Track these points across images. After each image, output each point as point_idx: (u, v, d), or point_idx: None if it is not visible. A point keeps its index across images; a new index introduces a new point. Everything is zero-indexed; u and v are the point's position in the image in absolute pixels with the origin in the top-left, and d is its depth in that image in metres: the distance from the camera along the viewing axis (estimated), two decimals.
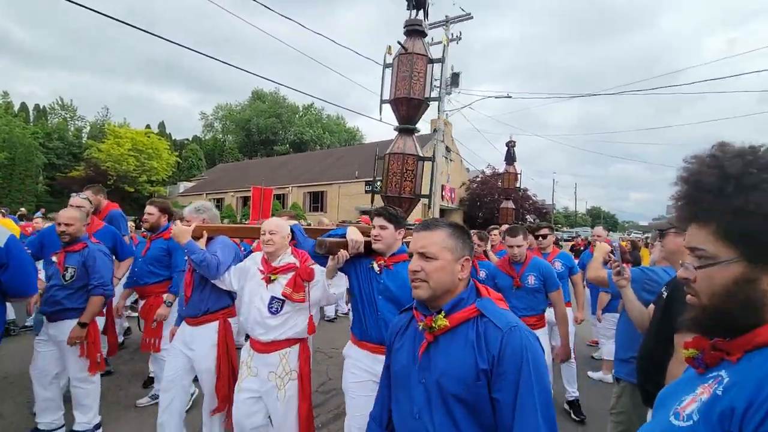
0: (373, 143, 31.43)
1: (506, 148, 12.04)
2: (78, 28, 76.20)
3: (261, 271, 2.40)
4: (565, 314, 3.23)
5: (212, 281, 2.59)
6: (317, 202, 26.65)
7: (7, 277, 2.00)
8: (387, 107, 4.57)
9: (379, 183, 4.75)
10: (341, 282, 2.32)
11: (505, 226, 4.84)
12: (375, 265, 2.16)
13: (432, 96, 4.44)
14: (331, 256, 2.17)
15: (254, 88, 50.83)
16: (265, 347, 2.34)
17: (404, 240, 2.25)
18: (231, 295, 2.76)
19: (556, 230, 29.47)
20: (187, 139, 46.63)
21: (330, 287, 2.30)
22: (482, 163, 37.55)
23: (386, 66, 4.55)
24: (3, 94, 35.62)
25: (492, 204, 24.62)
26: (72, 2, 4.76)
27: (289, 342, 2.35)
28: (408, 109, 4.34)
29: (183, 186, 36.53)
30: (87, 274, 2.82)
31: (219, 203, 29.74)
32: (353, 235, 2.19)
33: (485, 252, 4.10)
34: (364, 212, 21.96)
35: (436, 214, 13.79)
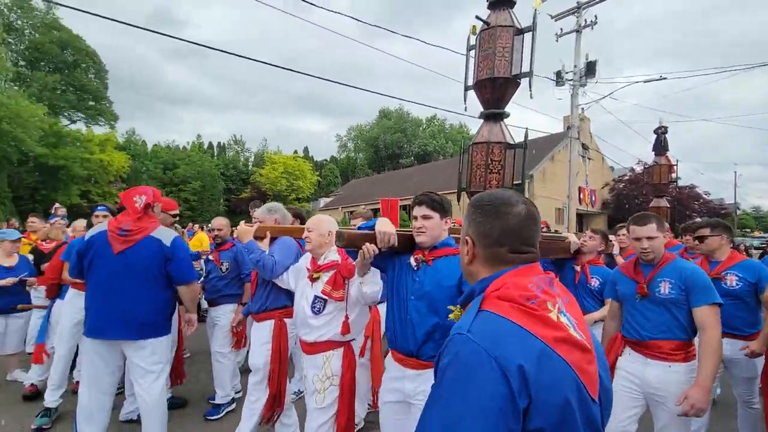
0: None
1: (655, 137, 10.06)
2: (244, 79, 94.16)
3: (308, 269, 2.36)
4: (716, 343, 2.01)
5: (274, 281, 2.65)
6: None
7: (172, 268, 2.59)
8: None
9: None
10: (375, 279, 2.07)
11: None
12: (412, 260, 1.90)
13: (523, 72, 3.78)
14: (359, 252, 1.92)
15: (381, 107, 54.52)
16: (310, 348, 2.25)
17: (451, 232, 1.96)
18: (290, 296, 2.68)
19: (744, 235, 23.34)
20: (326, 160, 52.63)
21: (362, 285, 2.06)
22: (630, 159, 32.51)
23: (470, 48, 4.06)
24: (197, 136, 46.55)
25: (644, 205, 20.99)
26: (239, 56, 6.02)
27: (331, 344, 2.21)
28: (492, 91, 3.82)
29: (323, 201, 41.27)
30: (238, 266, 3.58)
31: (351, 215, 32.59)
32: (382, 226, 1.91)
33: (609, 255, 3.47)
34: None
35: (573, 219, 12.49)
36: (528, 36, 3.80)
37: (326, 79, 10.65)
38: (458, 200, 4.31)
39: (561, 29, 12.92)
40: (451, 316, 1.13)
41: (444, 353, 0.83)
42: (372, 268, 2.03)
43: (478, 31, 3.88)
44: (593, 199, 23.51)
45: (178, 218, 3.64)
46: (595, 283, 2.96)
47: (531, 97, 3.80)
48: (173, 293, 2.71)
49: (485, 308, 0.86)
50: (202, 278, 3.84)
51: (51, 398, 3.19)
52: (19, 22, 29.70)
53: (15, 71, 25.98)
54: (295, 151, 43.21)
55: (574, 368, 0.80)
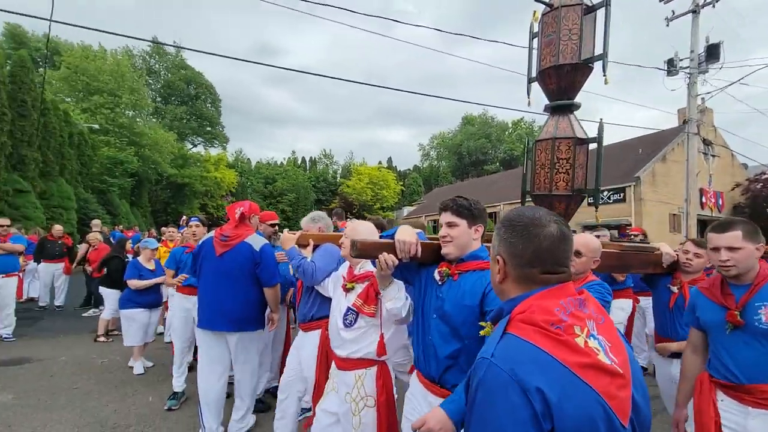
0: (593, 150, 27.56)
1: None
2: (333, 97, 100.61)
3: (343, 278, 2.20)
4: None
5: (316, 288, 2.60)
6: None
7: (259, 271, 2.87)
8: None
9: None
10: (399, 294, 1.85)
11: None
12: (436, 274, 1.69)
13: (596, 55, 3.25)
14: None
15: (464, 113, 53.69)
16: (342, 363, 2.07)
17: (484, 240, 1.68)
18: None
19: None
20: (409, 169, 53.36)
21: (384, 300, 1.86)
22: None
23: (533, 36, 3.60)
24: (292, 152, 50.98)
25: None
26: (327, 77, 6.45)
27: (363, 362, 2.01)
28: (558, 79, 3.30)
29: (406, 210, 41.76)
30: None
31: (435, 223, 32.43)
32: (402, 234, 1.70)
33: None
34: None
35: (693, 227, 10.77)
36: (600, 13, 3.26)
37: (408, 91, 10.87)
38: (523, 204, 3.88)
39: (672, 11, 11.39)
40: (482, 332, 1.10)
41: (472, 377, 0.85)
42: (396, 281, 1.85)
43: (540, 16, 3.45)
44: (720, 202, 19.96)
45: (277, 228, 3.96)
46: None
47: (606, 83, 3.28)
48: (263, 293, 3.01)
49: (510, 331, 0.85)
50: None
51: (177, 384, 3.76)
52: (157, 66, 36.01)
53: (154, 107, 31.44)
54: (380, 162, 44.68)
55: (602, 395, 0.78)
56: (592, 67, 3.31)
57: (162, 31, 71.92)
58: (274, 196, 38.03)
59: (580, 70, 3.27)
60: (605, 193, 19.67)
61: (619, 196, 19.02)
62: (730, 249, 1.77)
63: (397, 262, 1.69)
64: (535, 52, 3.57)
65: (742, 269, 1.77)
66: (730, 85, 11.41)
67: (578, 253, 1.98)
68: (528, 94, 3.73)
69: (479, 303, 1.53)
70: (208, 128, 37.30)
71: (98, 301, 6.99)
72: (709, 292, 1.90)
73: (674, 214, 18.76)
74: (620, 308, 3.95)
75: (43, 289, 7.84)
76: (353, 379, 2.01)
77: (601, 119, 3.34)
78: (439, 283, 1.66)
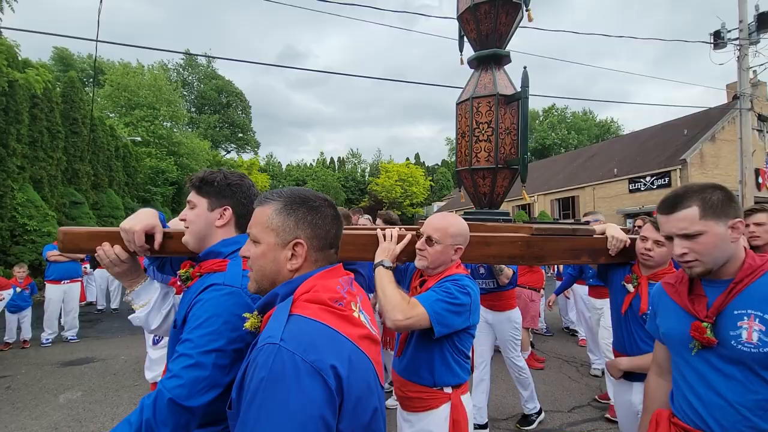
0: (633, 133, 26.23)
1: None
2: (356, 97, 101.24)
3: None
4: None
5: None
6: (567, 208, 24.41)
7: None
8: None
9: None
10: (144, 299, 1.38)
11: None
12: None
13: None
14: None
15: None
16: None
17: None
18: None
19: None
20: (437, 164, 52.81)
21: (133, 305, 1.43)
22: None
23: None
24: (320, 153, 51.77)
25: None
26: (349, 75, 6.49)
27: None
28: (477, 23, 2.58)
29: (436, 206, 41.39)
30: None
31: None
32: (129, 221, 1.33)
33: None
34: (629, 215, 18.42)
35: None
36: None
37: (430, 84, 10.69)
38: (458, 188, 3.19)
39: None
40: (246, 324, 0.94)
41: (252, 366, 0.76)
42: (152, 281, 1.39)
43: None
44: None
45: None
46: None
47: (530, 20, 2.63)
48: None
49: (295, 312, 0.84)
50: None
51: None
52: (190, 77, 37.61)
53: (189, 117, 32.87)
54: (407, 159, 44.44)
55: (372, 361, 0.88)
56: (519, 4, 2.61)
57: (192, 43, 75.07)
58: None
59: (502, 9, 2.53)
60: (648, 178, 18.70)
61: (664, 180, 18.02)
62: (685, 236, 1.17)
63: (126, 255, 1.32)
64: None
65: (710, 263, 1.15)
66: None
67: (430, 240, 1.61)
68: (460, 48, 2.95)
69: (184, 314, 1.13)
70: (240, 135, 38.60)
71: None
72: (674, 291, 1.29)
73: (714, 198, 17.52)
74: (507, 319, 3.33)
75: (100, 293, 8.44)
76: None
77: (525, 67, 2.53)
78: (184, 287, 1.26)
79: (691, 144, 17.98)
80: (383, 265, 1.60)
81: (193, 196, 1.28)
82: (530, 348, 4.97)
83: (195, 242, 1.26)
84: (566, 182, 25.20)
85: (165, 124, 24.47)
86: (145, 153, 21.34)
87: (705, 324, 1.15)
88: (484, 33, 2.61)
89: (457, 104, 2.77)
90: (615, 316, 2.10)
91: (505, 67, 2.76)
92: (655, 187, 18.36)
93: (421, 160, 48.89)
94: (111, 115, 22.57)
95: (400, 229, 1.77)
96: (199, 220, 1.26)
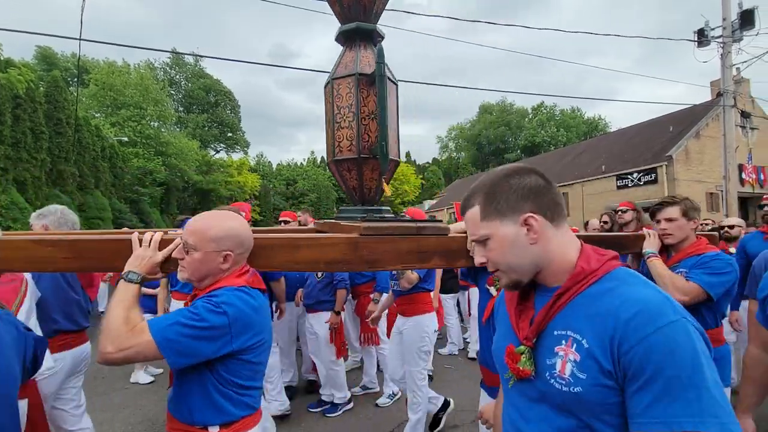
0: (620, 130, 26.61)
1: None
2: None
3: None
4: None
5: None
6: None
7: None
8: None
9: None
10: None
11: None
12: None
13: None
14: None
15: (481, 102, 52.81)
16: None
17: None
18: None
19: None
20: (428, 163, 53.02)
21: None
22: None
23: None
24: (311, 152, 51.56)
25: None
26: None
27: None
28: None
29: (427, 204, 41.56)
30: (332, 273, 3.48)
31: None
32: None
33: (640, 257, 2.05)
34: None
35: (733, 205, 10.23)
36: None
37: (419, 83, 10.68)
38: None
39: None
40: None
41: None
42: None
43: None
44: (762, 177, 18.87)
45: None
46: None
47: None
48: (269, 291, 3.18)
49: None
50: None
51: None
52: (177, 76, 37.12)
53: (177, 116, 32.46)
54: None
55: None
56: None
57: (179, 42, 74.06)
58: (296, 196, 38.59)
59: None
60: (635, 175, 19.00)
61: (651, 177, 18.32)
62: (479, 242, 0.94)
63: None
64: None
65: (512, 273, 0.90)
66: (767, 52, 10.74)
67: (186, 247, 1.31)
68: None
69: None
70: (229, 134, 38.23)
71: None
72: (509, 298, 0.99)
73: (711, 193, 17.89)
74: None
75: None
76: None
77: (380, 44, 2.05)
78: None
79: (676, 140, 18.29)
80: (127, 279, 1.26)
81: None
82: None
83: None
84: (555, 180, 25.25)
85: (152, 123, 24.14)
86: (132, 153, 21.04)
87: (521, 348, 0.85)
88: (346, 5, 2.10)
89: (324, 88, 2.23)
90: (479, 324, 1.87)
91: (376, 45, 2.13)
92: (642, 183, 18.65)
93: (412, 159, 49.05)
94: (96, 115, 22.17)
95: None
96: None
